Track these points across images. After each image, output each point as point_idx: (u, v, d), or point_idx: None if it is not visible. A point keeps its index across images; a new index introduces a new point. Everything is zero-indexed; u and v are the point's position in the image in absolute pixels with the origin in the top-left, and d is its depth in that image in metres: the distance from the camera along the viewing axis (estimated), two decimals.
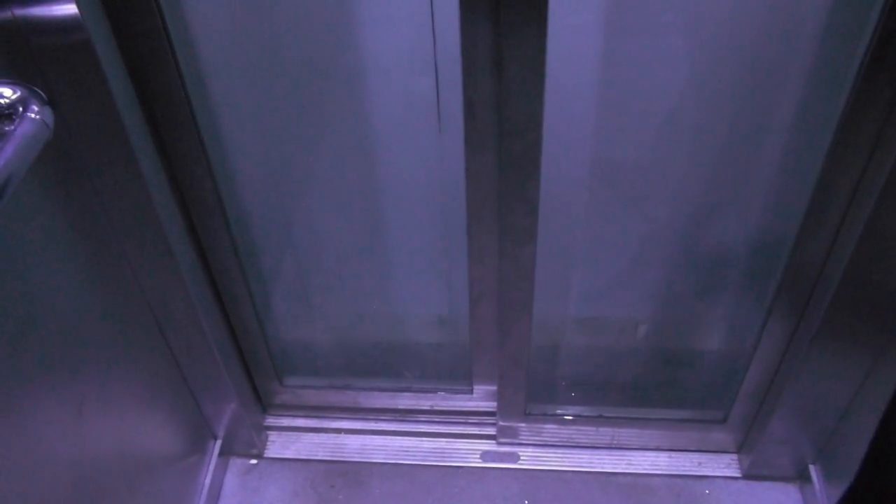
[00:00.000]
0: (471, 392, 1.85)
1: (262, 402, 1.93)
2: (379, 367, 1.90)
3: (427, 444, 1.91)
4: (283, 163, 1.47)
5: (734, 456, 1.84)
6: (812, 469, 1.73)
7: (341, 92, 1.35)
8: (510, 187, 1.32)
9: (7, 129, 0.96)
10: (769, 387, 1.62)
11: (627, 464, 1.84)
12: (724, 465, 1.82)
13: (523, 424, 1.84)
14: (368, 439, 1.93)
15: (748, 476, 1.80)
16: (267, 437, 1.94)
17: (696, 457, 1.84)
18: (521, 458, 1.88)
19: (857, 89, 1.13)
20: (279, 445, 1.93)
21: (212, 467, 1.79)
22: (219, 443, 1.84)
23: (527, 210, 1.35)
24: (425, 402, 1.90)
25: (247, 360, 1.79)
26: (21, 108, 0.98)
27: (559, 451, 1.87)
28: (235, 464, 1.90)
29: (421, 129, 1.38)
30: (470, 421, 1.91)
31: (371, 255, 1.64)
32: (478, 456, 1.89)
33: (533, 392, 1.78)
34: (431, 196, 1.51)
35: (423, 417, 1.92)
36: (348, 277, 1.69)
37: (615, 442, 1.85)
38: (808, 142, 1.27)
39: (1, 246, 1.03)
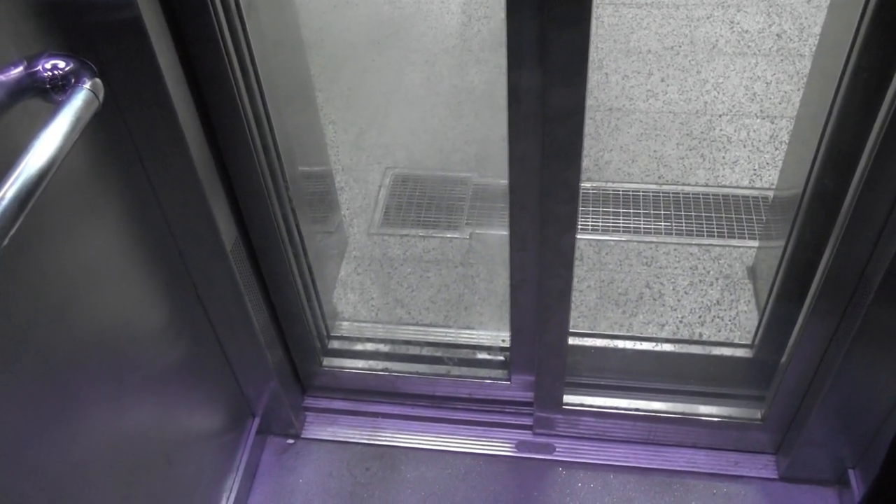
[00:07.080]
0: (508, 381, 1.85)
1: (302, 383, 1.96)
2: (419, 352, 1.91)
3: (463, 431, 1.92)
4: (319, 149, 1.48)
5: (772, 457, 1.81)
6: (851, 474, 1.70)
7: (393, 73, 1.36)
8: (552, 174, 1.32)
9: (59, 98, 0.99)
10: (808, 387, 1.60)
11: (663, 460, 1.83)
12: (760, 466, 1.80)
13: (560, 416, 1.84)
14: (405, 424, 1.94)
15: (785, 478, 1.77)
16: (305, 417, 1.96)
17: (733, 456, 1.82)
18: (557, 449, 1.87)
19: None
20: (317, 426, 1.95)
21: (249, 445, 1.82)
22: (257, 421, 1.86)
23: (568, 197, 1.34)
24: (463, 390, 1.90)
25: (288, 341, 1.81)
26: (73, 80, 1.01)
27: (595, 444, 1.87)
28: (272, 442, 1.93)
29: None
30: (507, 410, 1.92)
31: None
32: (513, 445, 1.89)
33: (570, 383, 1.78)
34: None
35: (460, 405, 1.93)
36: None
37: (652, 437, 1.84)
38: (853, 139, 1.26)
39: (48, 216, 1.06)
